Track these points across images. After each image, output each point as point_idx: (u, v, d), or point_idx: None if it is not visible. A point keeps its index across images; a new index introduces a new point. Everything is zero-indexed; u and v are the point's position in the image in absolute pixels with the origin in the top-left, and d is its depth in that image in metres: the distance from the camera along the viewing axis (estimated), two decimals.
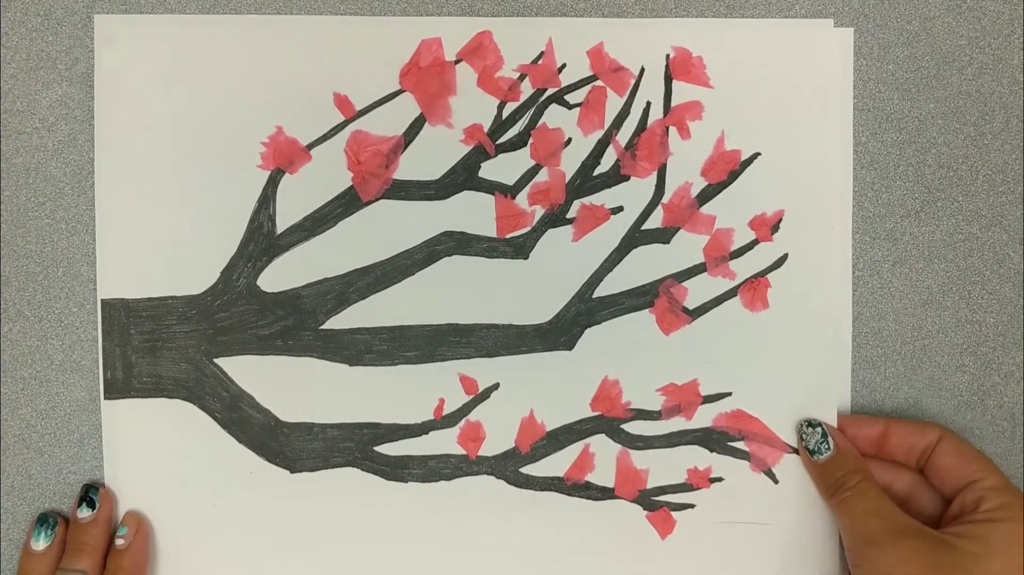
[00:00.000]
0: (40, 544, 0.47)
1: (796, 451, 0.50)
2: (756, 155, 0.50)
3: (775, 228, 0.50)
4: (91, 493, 0.48)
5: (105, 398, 0.49)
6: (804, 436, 0.49)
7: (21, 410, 0.50)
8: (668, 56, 0.50)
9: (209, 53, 0.49)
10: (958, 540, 0.44)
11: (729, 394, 0.50)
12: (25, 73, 0.49)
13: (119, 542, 0.47)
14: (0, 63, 0.49)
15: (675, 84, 0.50)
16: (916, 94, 0.51)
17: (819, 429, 0.48)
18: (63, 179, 0.49)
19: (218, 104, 0.49)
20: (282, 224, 0.49)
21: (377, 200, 0.49)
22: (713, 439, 0.50)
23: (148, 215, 0.49)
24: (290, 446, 0.50)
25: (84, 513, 0.47)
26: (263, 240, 0.49)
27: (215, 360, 0.49)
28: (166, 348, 0.49)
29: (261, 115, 0.49)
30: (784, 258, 0.50)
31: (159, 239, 0.49)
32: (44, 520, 0.48)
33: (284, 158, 0.49)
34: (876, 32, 0.50)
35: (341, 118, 0.49)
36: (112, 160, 0.49)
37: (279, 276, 0.49)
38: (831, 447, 0.48)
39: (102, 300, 0.49)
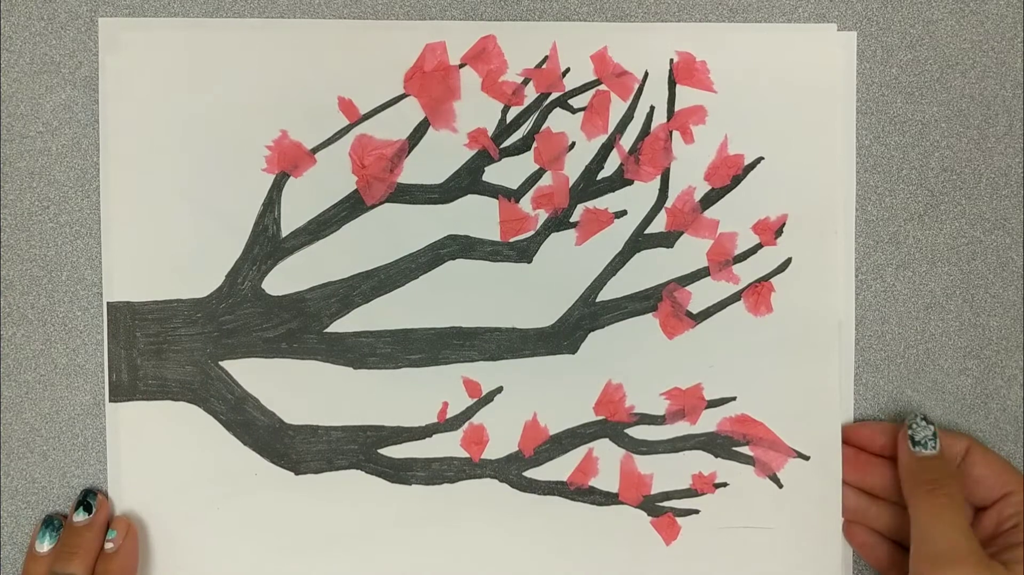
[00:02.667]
0: (44, 546, 0.47)
1: (801, 456, 0.50)
2: (759, 159, 0.50)
3: (779, 232, 0.50)
4: (88, 498, 0.48)
5: (110, 400, 0.49)
6: (913, 426, 0.47)
7: (25, 414, 0.50)
8: (672, 61, 0.50)
9: (214, 56, 0.49)
10: (1017, 567, 0.44)
11: (733, 398, 0.50)
12: (29, 77, 0.49)
13: (108, 546, 0.47)
14: (2, 67, 0.49)
15: (678, 88, 0.50)
16: (919, 98, 0.51)
17: (932, 428, 0.47)
18: (67, 183, 0.49)
19: (223, 107, 0.49)
20: (287, 227, 0.49)
21: (381, 204, 0.49)
22: (717, 444, 0.50)
23: (153, 218, 0.49)
24: (294, 448, 0.50)
25: (79, 517, 0.47)
26: (268, 243, 0.49)
27: (220, 363, 0.49)
28: (171, 351, 0.49)
29: (266, 119, 0.49)
30: (788, 262, 0.50)
31: (164, 242, 0.49)
32: (49, 522, 0.48)
33: (289, 162, 0.49)
34: (879, 36, 0.50)
35: (346, 122, 0.49)
36: (117, 163, 0.49)
37: (284, 279, 0.49)
38: (937, 447, 0.47)
39: (108, 303, 0.49)
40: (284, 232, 0.49)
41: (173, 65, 0.49)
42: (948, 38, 0.51)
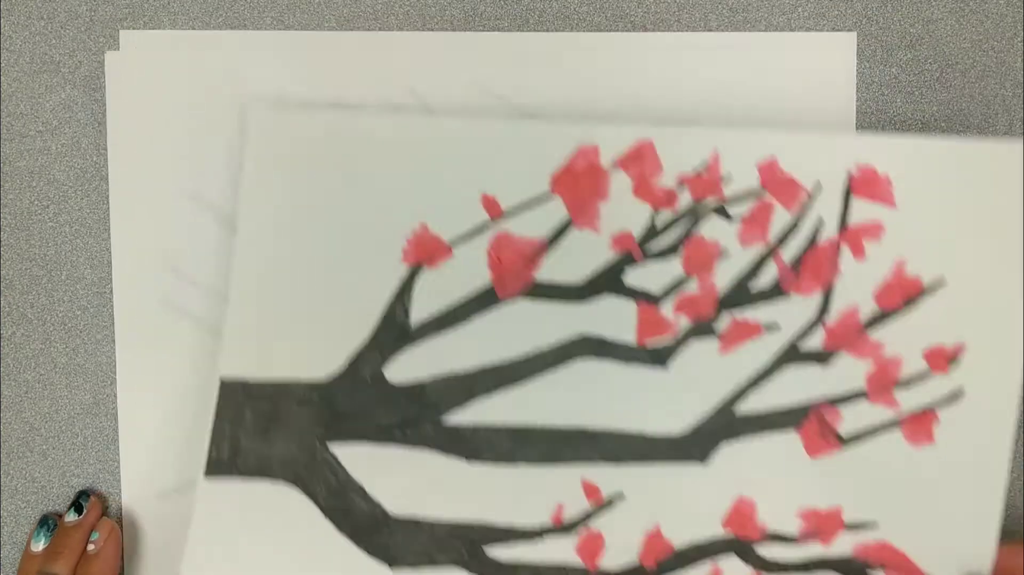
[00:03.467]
0: (39, 545, 0.47)
1: None
2: (940, 283, 0.47)
3: (953, 361, 0.47)
4: (81, 499, 0.48)
5: (206, 475, 0.47)
6: None
7: (24, 413, 0.50)
8: (850, 173, 0.47)
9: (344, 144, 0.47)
10: None
11: (875, 523, 0.47)
12: (29, 76, 0.49)
13: (90, 547, 0.47)
14: (3, 66, 0.49)
15: (854, 201, 0.47)
16: (919, 97, 0.50)
17: None
18: (67, 182, 0.49)
19: (364, 205, 0.48)
20: (416, 316, 0.48)
21: (515, 299, 0.48)
22: (853, 569, 0.47)
23: (279, 298, 0.47)
24: (395, 540, 0.47)
25: (70, 517, 0.48)
26: (396, 331, 0.47)
27: (329, 445, 0.47)
28: (279, 429, 0.47)
29: (404, 211, 0.47)
30: (959, 393, 0.47)
31: (286, 320, 0.47)
32: (44, 522, 0.48)
33: (425, 253, 0.47)
34: (879, 35, 0.50)
35: (487, 218, 0.48)
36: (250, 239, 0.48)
37: (406, 366, 0.47)
38: None
39: (221, 379, 0.47)
40: (413, 321, 0.47)
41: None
42: (948, 37, 0.50)
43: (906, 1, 0.50)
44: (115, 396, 0.50)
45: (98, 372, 0.50)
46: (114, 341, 0.49)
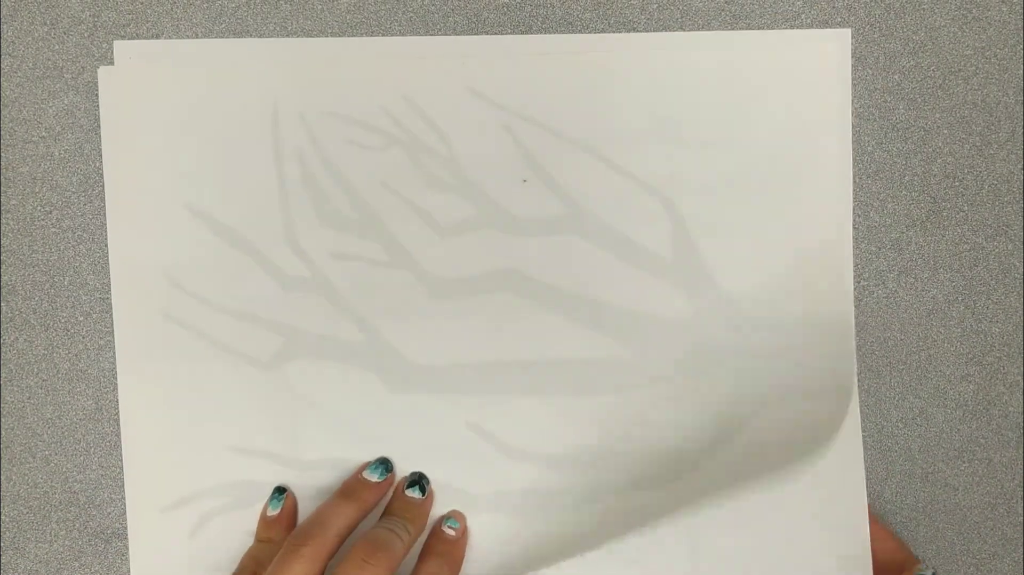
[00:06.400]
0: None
1: None
2: None
3: None
4: (423, 480, 0.48)
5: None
6: None
7: (27, 418, 0.50)
8: None
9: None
10: None
11: None
12: (31, 82, 0.49)
13: (449, 531, 0.48)
14: (4, 72, 0.49)
15: None
16: (921, 104, 0.51)
17: None
18: (69, 188, 0.49)
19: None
20: None
21: None
22: None
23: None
24: None
25: (415, 494, 0.48)
26: None
27: None
28: None
29: None
30: None
31: None
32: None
33: None
34: (881, 42, 0.50)
35: None
36: None
37: None
38: None
39: None
40: None
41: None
42: (950, 44, 0.51)
43: (908, 7, 0.50)
44: (117, 402, 0.50)
45: (100, 377, 0.50)
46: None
